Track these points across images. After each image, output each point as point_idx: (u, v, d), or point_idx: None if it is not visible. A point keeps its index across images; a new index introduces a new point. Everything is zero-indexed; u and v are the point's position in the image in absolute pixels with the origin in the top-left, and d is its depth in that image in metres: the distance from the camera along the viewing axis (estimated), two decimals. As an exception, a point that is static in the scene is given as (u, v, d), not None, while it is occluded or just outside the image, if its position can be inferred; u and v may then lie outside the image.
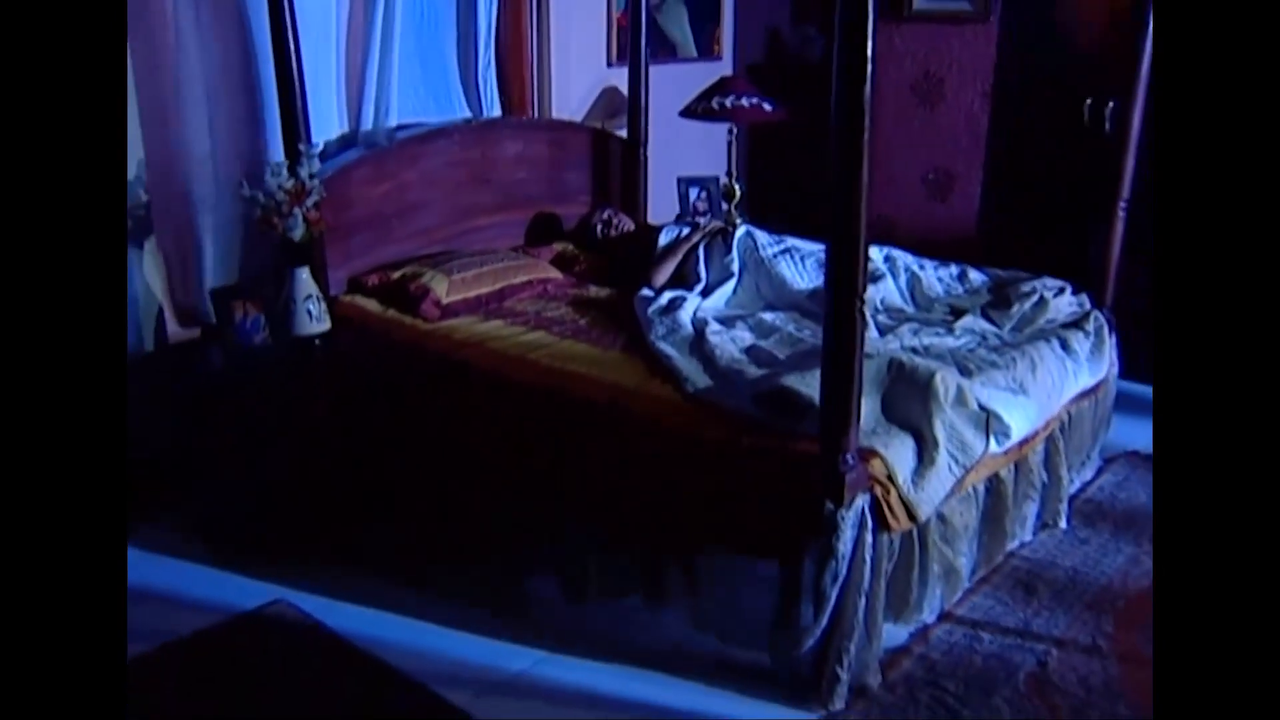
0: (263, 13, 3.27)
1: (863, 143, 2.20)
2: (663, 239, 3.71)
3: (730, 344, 3.03)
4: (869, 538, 2.43)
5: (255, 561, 3.03)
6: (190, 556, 3.10)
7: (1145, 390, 4.09)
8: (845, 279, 2.28)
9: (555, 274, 3.71)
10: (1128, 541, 3.20)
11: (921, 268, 3.51)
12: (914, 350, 2.95)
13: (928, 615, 2.79)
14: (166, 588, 2.96)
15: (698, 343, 3.05)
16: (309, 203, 3.10)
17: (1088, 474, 3.53)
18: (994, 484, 2.92)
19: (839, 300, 2.28)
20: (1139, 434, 3.85)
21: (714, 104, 4.03)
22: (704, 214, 4.37)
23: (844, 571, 2.41)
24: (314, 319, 3.17)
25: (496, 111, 4.19)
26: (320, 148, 3.26)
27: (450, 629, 2.79)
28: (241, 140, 3.47)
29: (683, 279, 3.56)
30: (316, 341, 3.17)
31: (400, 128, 3.88)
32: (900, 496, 2.48)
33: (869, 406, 2.56)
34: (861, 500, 2.40)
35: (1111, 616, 2.83)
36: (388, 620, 2.83)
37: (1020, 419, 2.78)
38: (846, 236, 2.29)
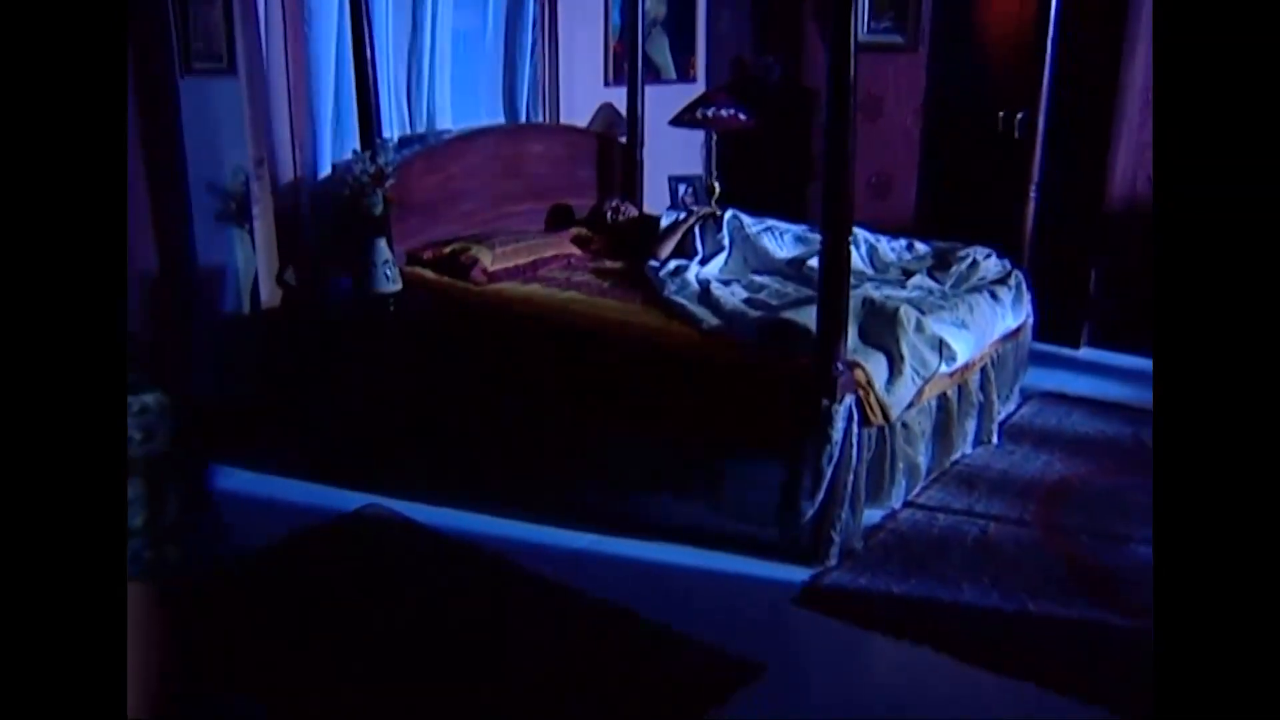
0: (326, 27, 3.80)
1: (849, 130, 2.81)
2: (664, 221, 4.25)
3: (731, 296, 3.58)
4: (855, 429, 2.97)
5: (348, 475, 3.49)
6: (296, 474, 3.54)
7: (1054, 349, 4.77)
8: (837, 220, 2.86)
9: (576, 250, 4.23)
10: (1044, 453, 3.81)
11: (877, 240, 4.11)
12: (878, 298, 3.53)
13: (895, 502, 3.34)
14: (281, 499, 3.40)
15: (704, 295, 3.59)
16: (386, 185, 3.59)
17: (1011, 406, 4.13)
18: (943, 402, 3.51)
19: (833, 236, 2.85)
20: (1050, 379, 4.50)
21: (698, 114, 4.60)
22: (693, 205, 4.92)
23: (837, 455, 2.95)
24: (389, 280, 3.63)
25: (535, 118, 4.75)
26: (394, 141, 3.74)
27: (515, 521, 3.27)
28: (313, 137, 3.94)
29: (683, 252, 4.09)
30: (391, 298, 3.64)
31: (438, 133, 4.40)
32: (877, 399, 3.04)
33: (850, 334, 3.12)
34: (849, 399, 2.95)
35: (1034, 501, 3.43)
36: (463, 516, 3.29)
37: (963, 346, 3.37)
38: (837, 192, 2.87)
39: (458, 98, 4.57)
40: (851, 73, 2.78)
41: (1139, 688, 2.43)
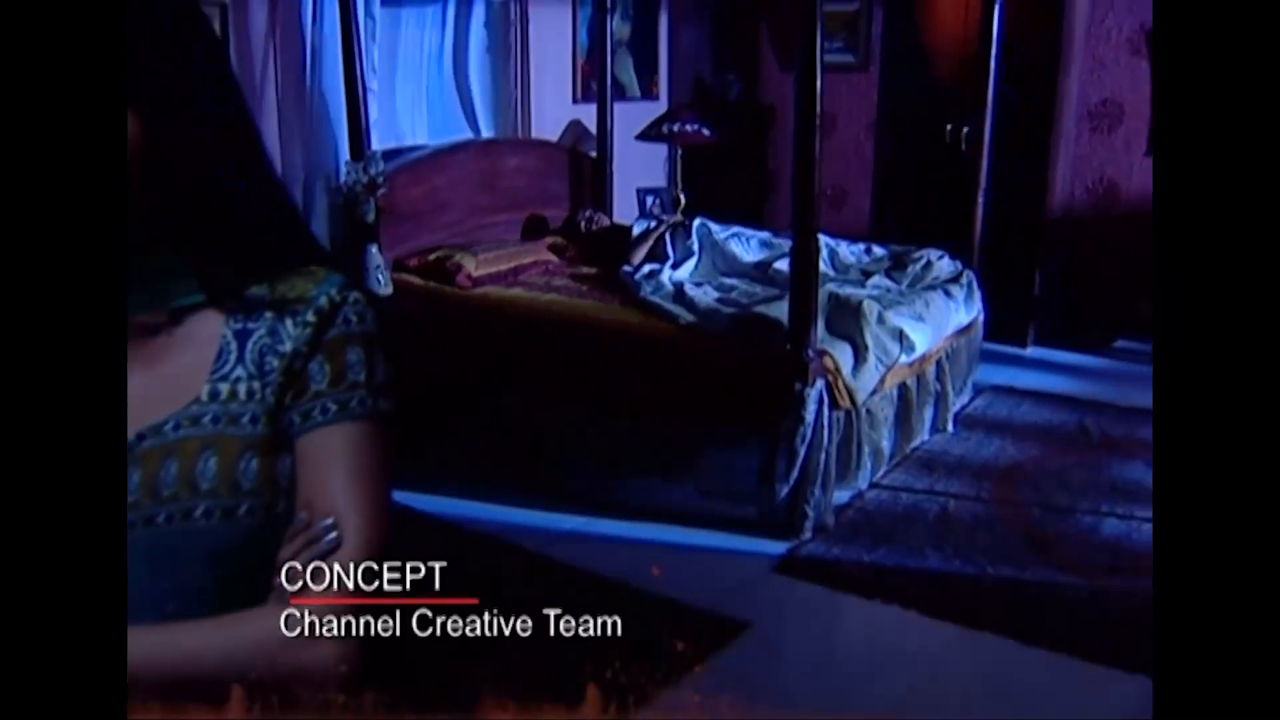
0: (312, 42, 4.10)
1: (814, 144, 3.22)
2: (636, 229, 4.58)
3: (704, 296, 3.92)
4: (825, 412, 3.32)
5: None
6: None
7: (1003, 348, 5.17)
8: (805, 220, 3.22)
9: (553, 257, 4.53)
10: (997, 439, 4.19)
11: (837, 244, 4.48)
12: (841, 295, 3.89)
13: (862, 483, 3.68)
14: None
15: (679, 295, 3.92)
16: (379, 194, 3.87)
17: (965, 398, 4.50)
18: (903, 391, 3.87)
19: (802, 235, 3.21)
20: (1000, 375, 4.90)
21: (664, 129, 4.96)
22: (661, 214, 5.26)
23: (809, 435, 3.29)
24: (381, 284, 3.92)
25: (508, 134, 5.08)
26: (380, 152, 4.04)
27: (510, 506, 3.55)
28: (299, 149, 4.22)
29: (655, 257, 4.42)
30: (383, 301, 3.92)
31: (410, 148, 4.69)
32: (844, 384, 3.39)
33: (817, 326, 3.47)
34: (820, 383, 3.29)
35: (989, 481, 3.79)
36: (461, 504, 3.56)
37: (921, 338, 3.74)
38: (804, 199, 3.24)
39: (431, 114, 4.88)
40: (818, 94, 3.18)
41: (1083, 632, 2.81)
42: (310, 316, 0.94)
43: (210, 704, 0.90)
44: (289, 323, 0.94)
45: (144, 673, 0.84)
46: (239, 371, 0.93)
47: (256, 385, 0.92)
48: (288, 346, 0.93)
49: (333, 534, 0.91)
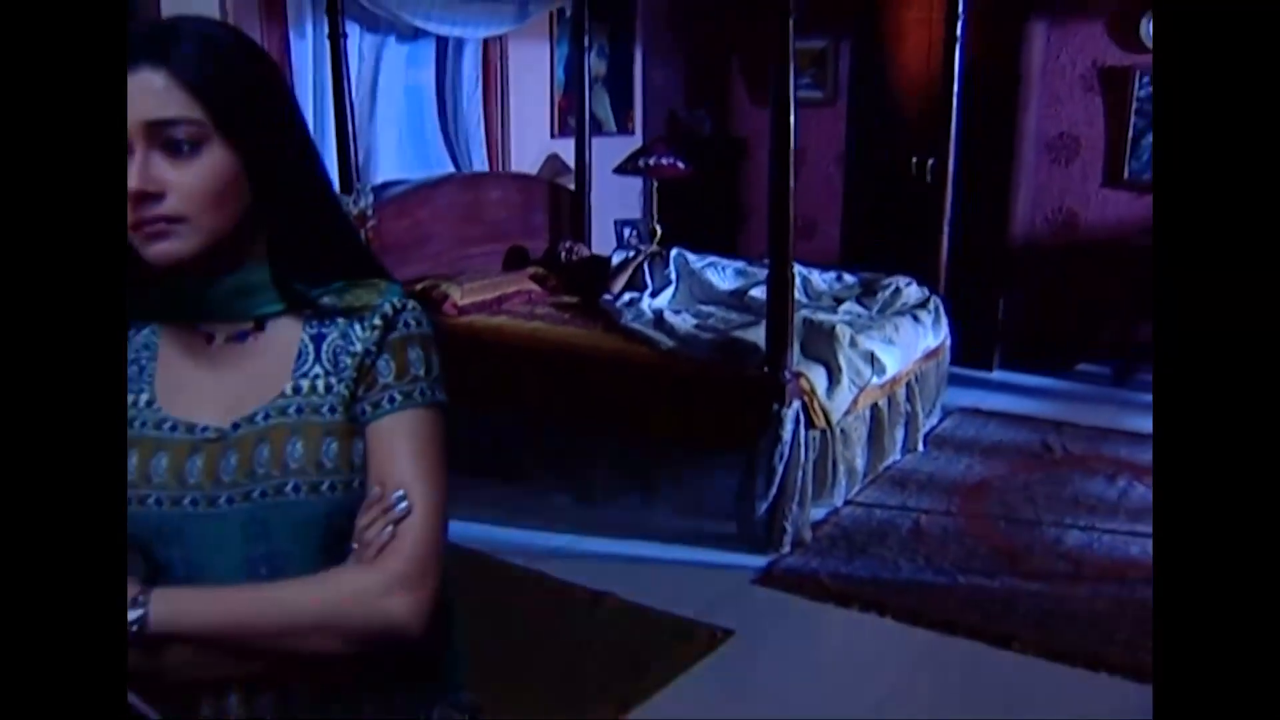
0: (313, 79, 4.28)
1: (788, 175, 3.44)
2: (615, 259, 4.77)
3: (683, 322, 4.11)
4: (802, 431, 3.50)
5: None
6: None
7: (970, 371, 5.39)
8: (780, 249, 3.42)
9: (535, 287, 4.71)
10: (965, 458, 4.39)
11: (810, 272, 4.69)
12: (814, 320, 4.09)
13: (837, 500, 3.87)
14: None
15: (659, 322, 4.11)
16: (368, 226, 4.04)
17: (934, 420, 4.71)
18: (875, 411, 4.06)
19: (778, 262, 3.42)
20: (967, 397, 5.11)
21: (640, 163, 5.17)
22: (639, 245, 5.46)
23: (787, 454, 3.47)
24: (370, 313, 4.07)
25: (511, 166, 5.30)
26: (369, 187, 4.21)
27: (495, 526, 3.69)
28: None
29: (634, 286, 4.61)
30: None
31: (394, 182, 4.87)
32: (819, 404, 3.59)
33: (793, 349, 3.67)
34: (796, 404, 3.48)
35: (958, 497, 3.99)
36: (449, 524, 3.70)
37: (891, 360, 3.94)
38: (780, 229, 3.45)
39: (416, 149, 5.07)
40: (792, 128, 3.40)
41: (1049, 635, 3.00)
42: (377, 321, 1.11)
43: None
44: (358, 327, 1.11)
45: (250, 623, 0.99)
46: (316, 369, 1.09)
47: (332, 380, 1.09)
48: (358, 347, 1.10)
49: (404, 504, 1.07)
